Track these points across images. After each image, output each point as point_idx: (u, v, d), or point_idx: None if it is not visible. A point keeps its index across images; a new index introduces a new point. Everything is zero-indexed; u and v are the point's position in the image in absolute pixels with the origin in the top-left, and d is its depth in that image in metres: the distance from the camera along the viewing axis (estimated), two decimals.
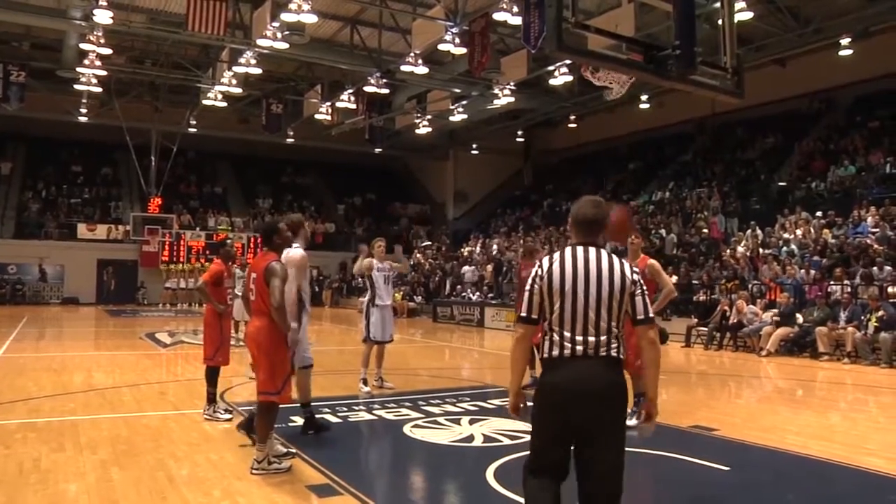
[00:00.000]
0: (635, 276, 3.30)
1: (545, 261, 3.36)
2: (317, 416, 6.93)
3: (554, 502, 3.31)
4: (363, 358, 9.11)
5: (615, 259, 3.30)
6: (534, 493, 3.34)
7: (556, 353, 3.23)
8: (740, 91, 6.85)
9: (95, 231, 32.65)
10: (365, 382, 8.96)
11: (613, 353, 3.22)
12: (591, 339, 3.19)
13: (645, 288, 3.35)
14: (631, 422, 6.88)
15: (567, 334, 3.21)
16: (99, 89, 24.95)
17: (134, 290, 32.44)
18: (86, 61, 21.93)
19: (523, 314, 3.36)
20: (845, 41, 20.20)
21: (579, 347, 3.19)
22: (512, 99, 24.10)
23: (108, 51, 21.13)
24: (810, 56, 22.69)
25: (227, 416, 7.29)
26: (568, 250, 3.33)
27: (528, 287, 3.37)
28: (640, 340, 3.37)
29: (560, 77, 21.17)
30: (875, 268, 15.36)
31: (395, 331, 9.75)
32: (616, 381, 3.25)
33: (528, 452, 3.45)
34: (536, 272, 3.33)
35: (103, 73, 23.15)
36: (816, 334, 14.17)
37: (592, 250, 3.30)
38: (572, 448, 3.28)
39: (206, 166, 38.56)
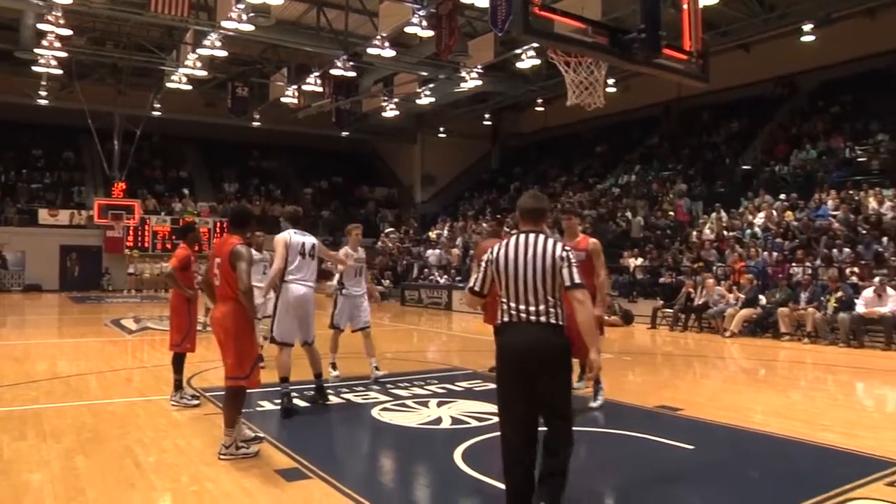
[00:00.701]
0: (563, 253, 3.90)
1: (495, 248, 4.07)
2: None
3: (526, 475, 3.85)
4: (331, 343, 9.05)
5: (549, 242, 3.95)
6: (508, 465, 3.91)
7: (505, 319, 3.96)
8: (705, 75, 6.93)
9: (58, 216, 31.93)
10: (334, 367, 8.93)
11: (552, 319, 3.87)
12: (532, 307, 3.87)
13: (573, 260, 3.91)
14: (579, 384, 7.27)
15: (513, 304, 3.92)
16: (59, 71, 24.38)
17: (98, 276, 31.93)
18: (44, 42, 21.31)
19: (473, 287, 4.17)
20: (808, 27, 20.51)
21: (523, 315, 3.89)
22: (479, 82, 24.07)
23: (67, 31, 20.52)
24: (774, 41, 22.98)
25: (195, 402, 7.25)
26: (513, 239, 4.03)
27: (481, 267, 4.11)
28: (571, 302, 3.90)
29: (527, 60, 21.18)
30: (835, 250, 15.69)
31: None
32: (555, 341, 3.87)
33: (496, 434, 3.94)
34: (488, 257, 4.07)
35: (63, 54, 22.59)
36: (778, 315, 14.46)
37: (532, 236, 3.98)
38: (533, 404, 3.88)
39: (171, 150, 37.89)
